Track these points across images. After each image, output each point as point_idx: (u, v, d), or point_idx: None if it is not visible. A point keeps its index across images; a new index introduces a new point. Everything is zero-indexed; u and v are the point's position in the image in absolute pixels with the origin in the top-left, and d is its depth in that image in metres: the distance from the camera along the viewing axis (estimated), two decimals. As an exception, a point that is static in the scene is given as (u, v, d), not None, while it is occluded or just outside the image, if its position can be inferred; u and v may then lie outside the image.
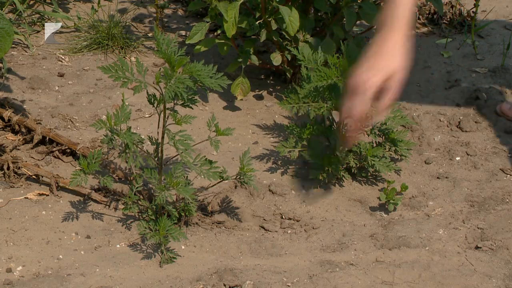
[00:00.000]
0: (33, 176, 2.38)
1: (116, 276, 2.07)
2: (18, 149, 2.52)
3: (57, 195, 2.34)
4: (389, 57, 1.76)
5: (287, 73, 2.93)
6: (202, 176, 2.12)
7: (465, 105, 2.95)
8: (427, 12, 3.58)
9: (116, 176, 2.41)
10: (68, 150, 2.50)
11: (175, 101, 2.12)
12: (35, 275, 2.06)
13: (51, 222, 2.25)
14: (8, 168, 2.36)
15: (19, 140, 2.53)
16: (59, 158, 2.49)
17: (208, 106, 2.86)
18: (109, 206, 2.32)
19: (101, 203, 2.33)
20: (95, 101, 2.84)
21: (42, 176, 2.37)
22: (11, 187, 2.36)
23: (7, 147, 2.49)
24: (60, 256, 2.13)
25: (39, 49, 3.15)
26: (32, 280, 2.04)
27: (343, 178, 2.49)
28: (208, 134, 2.71)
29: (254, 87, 2.95)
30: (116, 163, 2.45)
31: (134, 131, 2.68)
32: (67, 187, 2.34)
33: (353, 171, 2.51)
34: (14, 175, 2.37)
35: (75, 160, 2.50)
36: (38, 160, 2.48)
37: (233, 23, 2.56)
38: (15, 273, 2.06)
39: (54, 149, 2.49)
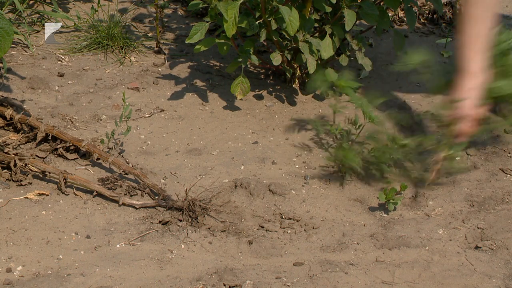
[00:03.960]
0: (40, 174, 2.38)
1: (116, 276, 2.07)
2: (21, 148, 2.52)
3: (65, 191, 2.34)
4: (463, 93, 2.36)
5: (287, 73, 2.93)
6: None
7: (465, 105, 2.95)
8: (427, 12, 3.58)
9: (123, 171, 2.42)
10: (72, 147, 2.49)
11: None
12: (35, 275, 2.06)
13: (51, 222, 2.25)
14: (15, 165, 2.36)
15: (21, 138, 2.54)
16: (63, 156, 2.49)
17: (208, 106, 2.86)
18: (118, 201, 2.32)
19: (109, 199, 2.33)
20: (95, 101, 2.84)
21: (50, 173, 2.37)
22: (19, 185, 2.36)
23: (10, 144, 2.49)
24: (60, 256, 2.13)
25: (39, 49, 3.15)
26: (32, 280, 2.04)
27: (349, 176, 2.50)
28: (208, 133, 2.71)
29: (254, 87, 2.95)
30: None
31: (134, 131, 2.68)
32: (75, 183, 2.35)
33: (358, 171, 2.51)
34: (20, 173, 2.37)
35: (80, 158, 2.50)
36: (42, 158, 2.48)
37: (233, 23, 2.56)
38: (15, 273, 2.06)
39: (58, 146, 2.49)
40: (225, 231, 2.26)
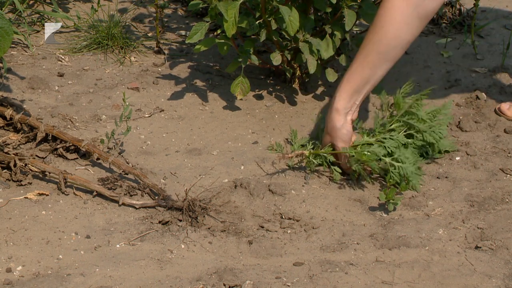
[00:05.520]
0: (40, 174, 2.38)
1: (116, 276, 2.07)
2: (21, 148, 2.52)
3: (65, 191, 2.34)
4: (328, 132, 2.48)
5: (287, 73, 2.93)
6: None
7: (465, 105, 2.95)
8: (427, 12, 3.58)
9: (123, 172, 2.42)
10: (72, 147, 2.50)
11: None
12: (35, 275, 2.06)
13: (51, 222, 2.25)
14: (15, 165, 2.36)
15: (21, 138, 2.54)
16: (63, 156, 2.49)
17: (208, 106, 2.86)
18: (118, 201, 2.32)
19: (109, 199, 2.33)
20: (95, 101, 2.84)
21: (50, 173, 2.37)
22: (19, 185, 2.36)
23: (10, 144, 2.50)
24: (60, 256, 2.13)
25: (39, 49, 3.16)
26: (32, 280, 2.04)
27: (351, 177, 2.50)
28: (208, 133, 2.72)
29: (254, 87, 2.95)
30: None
31: (134, 131, 2.68)
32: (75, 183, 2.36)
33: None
34: (20, 173, 2.37)
35: (80, 158, 2.51)
36: (42, 158, 2.48)
37: (233, 23, 2.56)
38: (14, 273, 2.06)
39: (58, 146, 2.49)
40: (225, 231, 2.26)
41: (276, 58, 2.76)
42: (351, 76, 2.42)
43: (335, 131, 2.45)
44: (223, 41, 2.73)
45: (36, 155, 2.48)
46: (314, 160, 2.49)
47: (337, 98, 2.44)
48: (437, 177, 2.56)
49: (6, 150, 2.46)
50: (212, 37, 2.79)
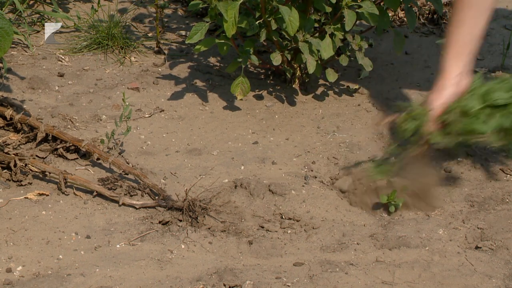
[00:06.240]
0: (40, 174, 2.38)
1: (116, 276, 2.07)
2: (21, 148, 2.52)
3: (65, 192, 2.34)
4: (436, 95, 2.37)
5: (287, 73, 2.93)
6: None
7: (465, 105, 2.95)
8: (427, 12, 3.58)
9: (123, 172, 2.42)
10: (73, 147, 2.50)
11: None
12: (35, 275, 2.06)
13: (51, 222, 2.25)
14: (15, 166, 2.36)
15: (21, 138, 2.54)
16: (63, 156, 2.49)
17: (208, 106, 2.86)
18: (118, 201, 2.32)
19: (109, 199, 2.33)
20: (95, 101, 2.84)
21: (50, 173, 2.37)
22: (19, 185, 2.36)
23: (10, 144, 2.50)
24: (60, 256, 2.13)
25: (39, 49, 3.16)
26: (32, 280, 2.04)
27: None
28: (208, 133, 2.71)
29: (254, 87, 2.95)
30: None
31: (134, 131, 2.68)
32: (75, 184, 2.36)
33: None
34: (20, 173, 2.37)
35: (80, 158, 2.51)
36: (42, 158, 2.48)
37: (233, 23, 2.56)
38: (15, 273, 2.06)
39: (58, 146, 2.49)
40: (225, 231, 2.26)
41: (276, 58, 2.77)
42: (452, 40, 2.38)
43: (439, 93, 2.37)
44: (223, 41, 2.73)
45: (36, 155, 2.48)
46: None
47: (446, 65, 2.38)
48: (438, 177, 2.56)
49: (6, 150, 2.46)
50: (212, 37, 2.79)
